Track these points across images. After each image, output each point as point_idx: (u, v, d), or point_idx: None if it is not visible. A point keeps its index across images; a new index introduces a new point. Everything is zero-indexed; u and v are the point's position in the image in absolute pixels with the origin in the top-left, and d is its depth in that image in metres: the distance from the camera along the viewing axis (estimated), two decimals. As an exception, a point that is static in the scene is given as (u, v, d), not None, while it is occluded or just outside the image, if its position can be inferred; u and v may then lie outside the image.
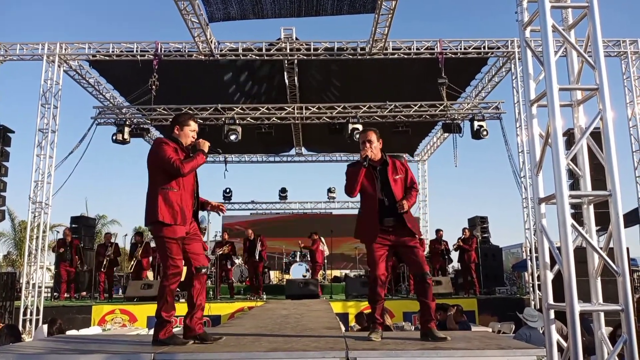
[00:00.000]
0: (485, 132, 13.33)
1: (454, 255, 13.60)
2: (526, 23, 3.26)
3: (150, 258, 14.53)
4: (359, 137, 4.26)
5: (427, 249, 13.47)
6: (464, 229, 13.41)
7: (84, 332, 8.27)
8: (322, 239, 14.88)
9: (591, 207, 3.22)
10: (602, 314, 3.10)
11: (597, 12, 2.98)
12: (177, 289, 12.89)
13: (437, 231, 13.35)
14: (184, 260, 3.83)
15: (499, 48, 12.49)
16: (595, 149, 3.09)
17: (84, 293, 13.53)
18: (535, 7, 3.09)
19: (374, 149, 4.14)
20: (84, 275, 13.73)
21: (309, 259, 14.43)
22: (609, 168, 2.90)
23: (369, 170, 4.13)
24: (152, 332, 10.19)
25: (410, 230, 4.06)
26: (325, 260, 15.52)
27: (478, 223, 16.07)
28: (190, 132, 3.92)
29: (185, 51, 12.41)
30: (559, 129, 2.91)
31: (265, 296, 11.90)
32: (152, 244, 14.27)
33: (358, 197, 4.23)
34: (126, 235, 16.63)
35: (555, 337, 2.99)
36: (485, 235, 15.85)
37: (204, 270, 3.91)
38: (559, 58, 3.08)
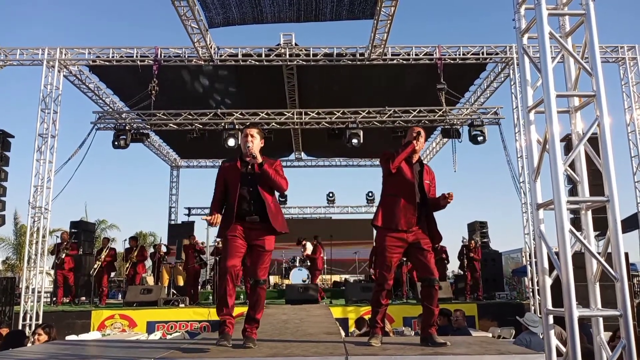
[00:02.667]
0: (482, 138, 13.35)
1: (456, 262, 13.62)
2: (524, 30, 3.29)
3: (149, 263, 14.53)
4: (409, 131, 4.26)
5: None
6: (469, 239, 13.42)
7: (83, 337, 8.27)
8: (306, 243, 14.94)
9: (589, 212, 3.24)
10: (600, 319, 3.11)
11: (593, 20, 3.01)
12: (176, 293, 12.66)
13: None
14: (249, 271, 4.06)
15: (497, 54, 12.53)
16: (593, 154, 3.12)
17: (83, 298, 13.50)
18: (532, 15, 3.12)
19: (421, 144, 4.21)
20: (82, 280, 13.70)
21: (309, 264, 14.43)
22: (607, 174, 2.92)
23: (409, 161, 4.16)
24: (151, 337, 10.16)
25: (432, 233, 4.10)
26: (325, 265, 15.54)
27: (477, 228, 16.08)
28: (242, 140, 4.12)
29: (185, 56, 12.44)
30: (557, 135, 2.93)
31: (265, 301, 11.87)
32: (151, 249, 14.30)
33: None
34: (125, 240, 16.61)
35: (555, 342, 3.00)
36: (485, 240, 15.86)
37: (260, 283, 3.96)
38: (557, 64, 3.10)
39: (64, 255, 12.43)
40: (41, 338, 5.79)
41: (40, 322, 10.67)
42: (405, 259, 9.83)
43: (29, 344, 5.80)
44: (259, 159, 3.98)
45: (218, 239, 11.05)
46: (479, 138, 13.34)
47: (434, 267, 3.99)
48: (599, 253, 3.01)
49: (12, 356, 3.74)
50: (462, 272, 13.31)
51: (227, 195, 4.03)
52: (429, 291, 3.96)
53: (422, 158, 4.29)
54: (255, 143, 4.05)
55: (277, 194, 4.17)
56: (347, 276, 18.61)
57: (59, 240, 13.14)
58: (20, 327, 10.38)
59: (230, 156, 4.26)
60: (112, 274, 16.63)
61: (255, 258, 3.95)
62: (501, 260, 15.25)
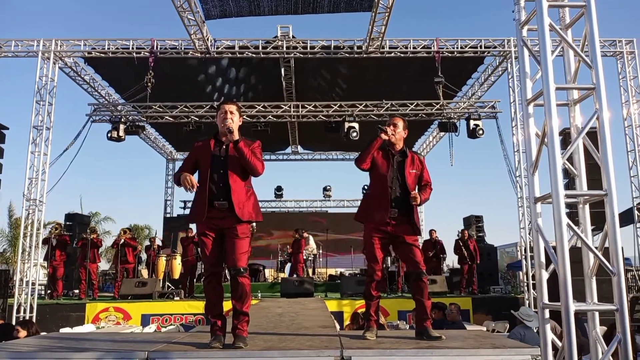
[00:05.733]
0: (481, 132, 13.37)
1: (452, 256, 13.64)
2: (523, 22, 3.25)
3: (144, 256, 14.49)
4: (387, 122, 4.20)
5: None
6: (462, 231, 13.45)
7: (77, 330, 8.24)
8: (308, 236, 14.86)
9: (587, 206, 3.22)
10: (596, 314, 3.10)
11: (594, 12, 2.97)
12: (171, 286, 12.56)
13: (431, 232, 13.35)
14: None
15: (495, 47, 12.51)
16: (591, 148, 3.09)
17: (77, 291, 13.43)
18: (532, 6, 3.09)
19: (397, 134, 4.10)
20: (76, 274, 13.62)
21: (292, 258, 14.40)
22: (605, 168, 2.90)
23: (387, 154, 4.08)
24: (146, 329, 10.12)
25: (413, 227, 4.00)
26: (312, 258, 15.54)
27: (473, 222, 16.10)
28: (220, 116, 3.77)
29: (181, 49, 12.37)
30: (555, 129, 2.91)
31: (259, 294, 11.88)
32: (147, 242, 14.24)
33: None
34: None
35: (550, 336, 2.99)
36: (481, 234, 15.88)
37: (241, 272, 3.59)
38: (556, 57, 3.07)
39: (54, 243, 12.16)
40: (21, 334, 5.75)
41: (34, 315, 10.65)
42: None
43: None
44: (236, 136, 3.67)
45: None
46: (476, 132, 13.34)
47: (420, 260, 3.97)
48: (596, 247, 2.99)
49: (6, 349, 3.71)
50: (459, 266, 13.33)
51: (198, 177, 3.76)
52: (418, 284, 3.97)
53: (405, 147, 4.17)
54: (234, 120, 3.73)
55: (252, 179, 3.84)
56: (342, 269, 18.64)
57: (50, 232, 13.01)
58: (14, 320, 10.34)
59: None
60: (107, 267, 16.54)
61: (230, 246, 3.62)
62: (496, 255, 15.30)
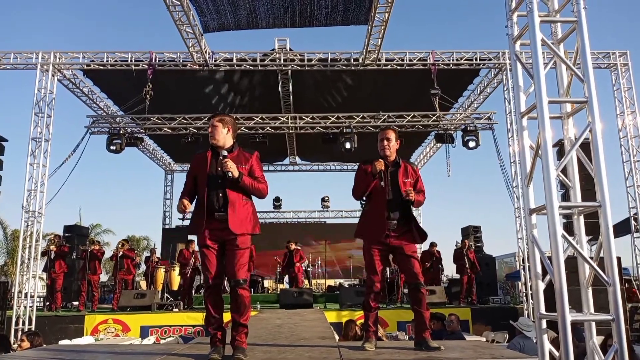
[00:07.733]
0: (474, 143, 13.40)
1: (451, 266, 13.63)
2: (516, 37, 3.32)
3: (143, 266, 14.43)
4: (379, 134, 4.25)
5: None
6: (462, 240, 13.44)
7: (76, 342, 8.21)
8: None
9: (581, 217, 3.26)
10: (593, 324, 3.13)
11: (585, 27, 3.04)
12: (170, 297, 12.49)
13: (432, 245, 13.31)
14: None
15: (490, 59, 12.60)
16: (585, 160, 3.14)
17: (76, 303, 13.38)
18: (525, 21, 3.15)
19: (391, 147, 4.17)
20: (76, 285, 13.57)
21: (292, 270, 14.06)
22: (599, 179, 2.95)
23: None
24: (145, 341, 10.06)
25: (414, 236, 4.05)
26: (310, 269, 15.50)
27: (471, 232, 16.11)
28: (209, 134, 3.83)
29: (179, 61, 12.44)
30: (549, 141, 2.96)
31: (259, 306, 11.86)
32: (146, 253, 14.20)
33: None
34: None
35: (548, 346, 3.02)
36: (479, 244, 15.88)
37: (240, 283, 3.58)
38: (549, 70, 3.13)
39: (52, 255, 12.05)
40: (23, 345, 5.74)
41: (32, 327, 10.60)
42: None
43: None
44: (236, 174, 3.61)
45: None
46: (471, 143, 13.40)
47: (418, 271, 4.02)
48: (591, 257, 3.03)
49: (5, 361, 3.72)
50: (459, 277, 13.28)
51: (197, 188, 3.77)
52: (416, 295, 4.01)
53: (398, 158, 4.23)
54: (221, 135, 3.74)
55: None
56: (341, 280, 18.61)
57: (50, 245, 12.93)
58: (12, 332, 10.31)
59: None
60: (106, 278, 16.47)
61: (230, 257, 3.62)
62: (495, 265, 15.28)
